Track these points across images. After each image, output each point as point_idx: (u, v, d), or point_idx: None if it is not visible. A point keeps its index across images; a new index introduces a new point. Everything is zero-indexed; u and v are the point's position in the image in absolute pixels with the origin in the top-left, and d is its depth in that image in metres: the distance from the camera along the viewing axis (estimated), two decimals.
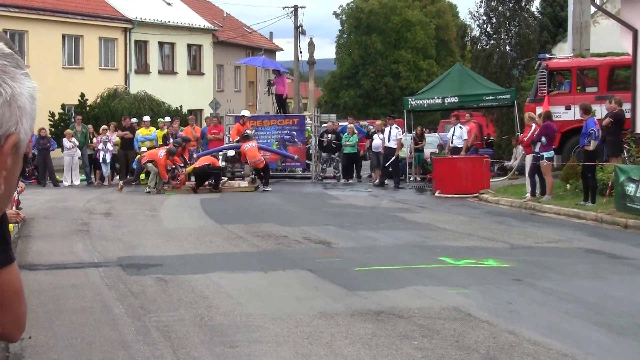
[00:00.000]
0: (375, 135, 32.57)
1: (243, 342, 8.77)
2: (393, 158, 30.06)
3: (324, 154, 33.84)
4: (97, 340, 8.97)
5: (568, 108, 28.10)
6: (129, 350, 8.59)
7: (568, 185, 23.08)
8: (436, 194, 26.36)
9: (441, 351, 8.33)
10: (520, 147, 27.36)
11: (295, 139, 33.35)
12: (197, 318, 9.82)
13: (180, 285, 11.80)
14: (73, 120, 35.21)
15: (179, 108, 43.17)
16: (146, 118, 33.58)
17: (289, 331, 9.15)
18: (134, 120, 33.89)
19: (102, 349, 8.64)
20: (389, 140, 31.17)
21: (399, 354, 8.27)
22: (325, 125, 35.67)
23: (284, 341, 8.78)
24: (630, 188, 18.68)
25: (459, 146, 29.68)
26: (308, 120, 35.33)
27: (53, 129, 38.01)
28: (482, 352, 8.27)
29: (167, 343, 8.79)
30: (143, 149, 31.35)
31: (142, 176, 31.28)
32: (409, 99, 33.31)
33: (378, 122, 34.88)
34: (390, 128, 31.48)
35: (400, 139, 31.41)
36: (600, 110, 24.99)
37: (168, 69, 53.76)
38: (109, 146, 31.79)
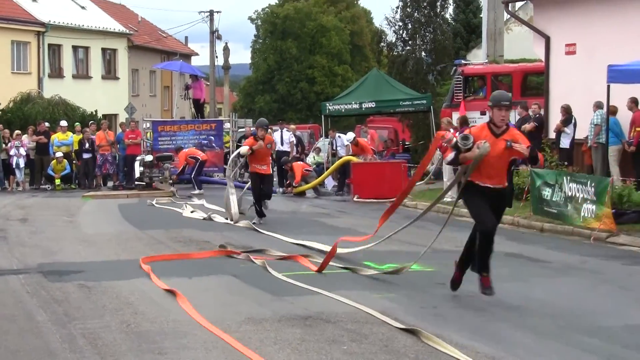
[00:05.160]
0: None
1: (172, 348, 8.70)
2: (290, 158, 30.23)
3: (241, 159, 33.75)
4: (22, 348, 8.80)
5: (483, 113, 28.48)
6: (55, 358, 8.47)
7: None
8: (354, 199, 26.49)
9: (371, 355, 8.38)
10: (437, 152, 27.62)
11: (213, 144, 33.27)
12: (123, 325, 9.72)
13: (104, 291, 11.67)
14: None
15: (94, 113, 42.68)
16: (63, 123, 33.16)
17: (217, 337, 9.11)
18: (47, 124, 33.38)
19: (27, 358, 8.49)
20: (282, 144, 31.40)
21: (329, 358, 8.30)
22: (243, 130, 35.62)
23: (213, 347, 8.74)
24: (547, 192, 19.04)
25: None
26: (226, 125, 35.26)
27: None
28: (411, 356, 8.35)
29: (94, 351, 8.67)
30: (59, 154, 31.00)
31: (58, 181, 30.94)
32: (327, 104, 33.47)
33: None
34: (282, 132, 31.75)
35: (293, 141, 31.74)
36: (514, 116, 25.39)
37: (82, 73, 53.08)
38: (22, 151, 31.30)
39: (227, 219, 20.53)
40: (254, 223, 19.39)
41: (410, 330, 9.12)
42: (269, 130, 31.14)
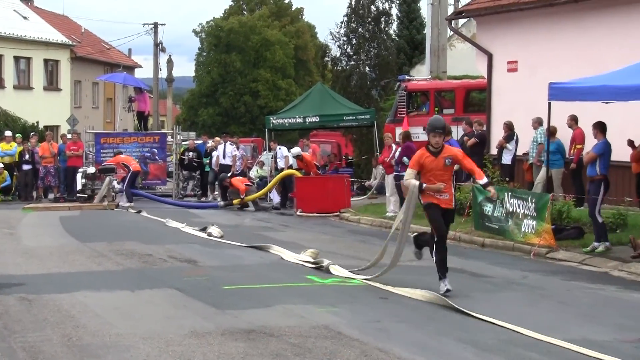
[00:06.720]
0: (213, 153, 32.39)
1: None
2: (229, 174, 30.19)
3: (184, 172, 33.70)
4: None
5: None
6: None
7: None
8: (298, 213, 26.52)
9: None
10: (380, 167, 27.78)
11: (156, 157, 33.14)
12: (64, 338, 9.63)
13: (45, 304, 11.55)
14: None
15: (36, 124, 42.24)
16: (8, 133, 32.81)
17: (160, 351, 9.06)
18: None
19: None
20: (224, 157, 31.36)
21: None
22: (187, 143, 35.53)
23: None
24: (488, 208, 19.21)
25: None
26: (169, 138, 35.13)
27: None
28: None
29: None
30: None
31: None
32: (271, 118, 33.49)
33: (210, 142, 34.58)
34: (225, 145, 31.71)
35: (236, 155, 31.68)
36: (457, 131, 25.66)
37: (24, 84, 52.52)
38: None
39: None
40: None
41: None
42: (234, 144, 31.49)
